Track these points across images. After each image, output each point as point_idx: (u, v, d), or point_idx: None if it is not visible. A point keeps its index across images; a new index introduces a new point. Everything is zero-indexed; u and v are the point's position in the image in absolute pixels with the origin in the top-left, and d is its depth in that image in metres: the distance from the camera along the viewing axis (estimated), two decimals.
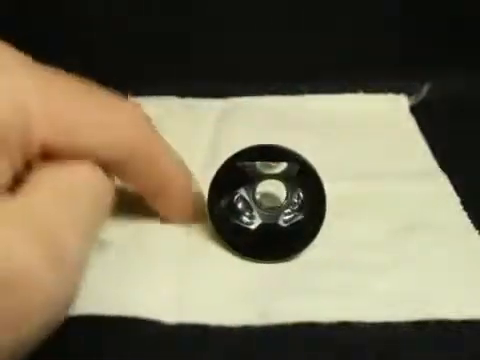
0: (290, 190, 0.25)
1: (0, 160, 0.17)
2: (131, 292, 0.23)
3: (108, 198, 0.21)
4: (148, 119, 0.23)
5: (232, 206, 0.25)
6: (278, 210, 0.25)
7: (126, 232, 0.26)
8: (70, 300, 0.18)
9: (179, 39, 0.39)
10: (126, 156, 0.21)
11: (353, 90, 0.38)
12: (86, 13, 0.38)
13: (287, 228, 0.25)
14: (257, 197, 0.26)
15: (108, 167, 0.21)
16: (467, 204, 0.28)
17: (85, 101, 0.20)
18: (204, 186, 0.25)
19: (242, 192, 0.25)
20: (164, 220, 0.26)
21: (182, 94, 0.39)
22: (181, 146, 0.33)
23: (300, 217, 0.25)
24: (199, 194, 0.27)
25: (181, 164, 0.25)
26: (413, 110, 0.38)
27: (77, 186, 0.19)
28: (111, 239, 0.26)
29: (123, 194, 0.29)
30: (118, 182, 0.22)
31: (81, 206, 0.19)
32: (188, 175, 0.26)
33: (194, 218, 0.27)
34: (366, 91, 0.38)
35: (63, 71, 0.20)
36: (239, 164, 0.25)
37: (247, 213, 0.25)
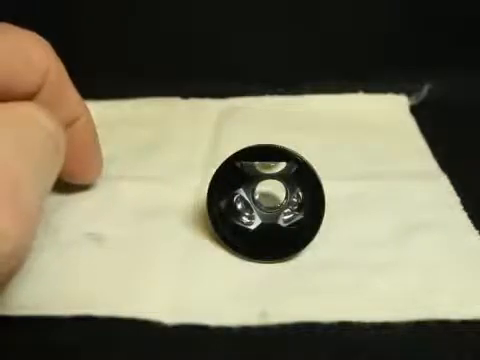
0: (289, 190, 0.25)
1: None
2: (131, 293, 0.23)
3: (60, 137, 0.21)
4: (51, 48, 0.23)
5: (232, 206, 0.25)
6: (277, 210, 0.25)
7: (125, 233, 0.26)
8: (29, 249, 0.19)
9: (179, 39, 0.39)
10: (40, 82, 0.22)
11: (353, 90, 0.38)
12: (86, 13, 0.38)
13: (287, 228, 0.25)
14: (256, 197, 0.26)
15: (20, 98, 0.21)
16: (467, 204, 0.28)
17: None
18: (204, 186, 0.25)
19: (241, 192, 0.25)
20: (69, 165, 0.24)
21: (182, 94, 0.39)
22: (181, 146, 0.34)
23: (299, 217, 0.25)
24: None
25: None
26: (413, 110, 0.38)
27: (29, 132, 0.19)
28: (110, 240, 0.26)
29: (122, 194, 0.29)
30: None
31: (36, 152, 0.19)
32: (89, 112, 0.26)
33: (96, 163, 0.28)
34: (366, 91, 0.38)
35: None
36: (238, 164, 0.24)
37: (247, 213, 0.25)
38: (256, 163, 0.25)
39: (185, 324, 0.22)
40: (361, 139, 0.34)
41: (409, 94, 0.38)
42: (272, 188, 0.26)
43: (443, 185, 0.29)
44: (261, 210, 0.26)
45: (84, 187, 0.29)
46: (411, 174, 0.30)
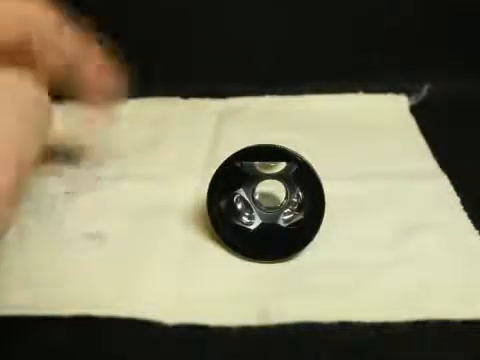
0: (289, 190, 0.25)
1: None
2: (131, 293, 0.23)
3: (41, 108, 0.20)
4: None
5: (232, 206, 0.25)
6: (278, 210, 0.25)
7: (125, 232, 0.26)
8: (3, 233, 0.19)
9: (179, 39, 0.39)
10: (33, 28, 0.21)
11: (353, 90, 0.38)
12: (87, 14, 0.38)
13: (287, 228, 0.25)
14: (256, 197, 0.26)
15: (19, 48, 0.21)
16: (467, 204, 0.28)
17: None
18: (204, 186, 0.25)
19: (241, 192, 0.25)
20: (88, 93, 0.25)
21: (182, 94, 0.39)
22: (181, 146, 0.34)
23: (300, 217, 0.25)
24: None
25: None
26: (413, 110, 0.38)
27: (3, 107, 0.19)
28: (110, 240, 0.26)
29: (122, 194, 0.29)
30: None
31: (10, 125, 0.19)
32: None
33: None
34: (366, 91, 0.38)
35: None
36: (238, 164, 0.24)
37: (247, 213, 0.25)
38: (256, 163, 0.25)
39: (185, 324, 0.22)
40: (361, 139, 0.34)
41: (409, 94, 0.38)
42: (272, 188, 0.26)
43: (443, 185, 0.29)
44: (261, 210, 0.26)
45: (84, 187, 0.29)
46: (411, 174, 0.30)
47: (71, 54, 0.24)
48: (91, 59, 0.26)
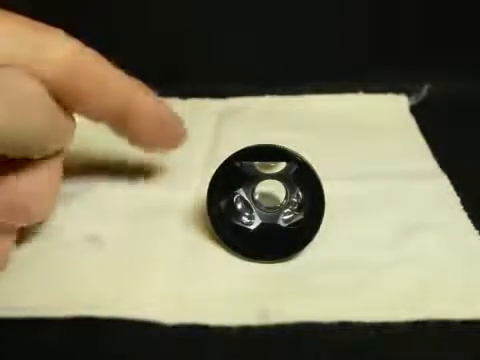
0: (289, 190, 0.25)
1: None
2: (131, 293, 0.23)
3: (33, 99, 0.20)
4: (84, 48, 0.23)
5: (231, 206, 0.25)
6: (277, 210, 0.25)
7: (125, 233, 0.26)
8: None
9: (179, 39, 0.39)
10: (65, 74, 0.21)
11: (353, 90, 0.38)
12: (86, 13, 0.38)
13: (286, 228, 0.25)
14: (256, 197, 0.26)
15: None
16: (467, 204, 0.28)
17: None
18: (204, 186, 0.25)
19: (241, 192, 0.25)
20: (138, 145, 0.25)
21: (182, 94, 0.39)
22: (181, 146, 0.34)
23: (299, 217, 0.25)
24: (173, 115, 0.26)
25: (139, 84, 0.25)
26: (413, 110, 0.38)
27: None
28: (109, 240, 0.26)
29: (121, 194, 0.29)
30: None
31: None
32: (150, 92, 0.25)
33: (169, 141, 0.27)
34: (366, 91, 0.38)
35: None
36: (238, 164, 0.24)
37: (246, 213, 0.25)
38: (256, 163, 0.25)
39: (185, 324, 0.22)
40: (361, 139, 0.34)
41: (409, 94, 0.38)
42: (272, 188, 0.26)
43: (443, 185, 0.29)
44: (261, 210, 0.26)
45: (83, 187, 0.29)
46: (411, 174, 0.30)
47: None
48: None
